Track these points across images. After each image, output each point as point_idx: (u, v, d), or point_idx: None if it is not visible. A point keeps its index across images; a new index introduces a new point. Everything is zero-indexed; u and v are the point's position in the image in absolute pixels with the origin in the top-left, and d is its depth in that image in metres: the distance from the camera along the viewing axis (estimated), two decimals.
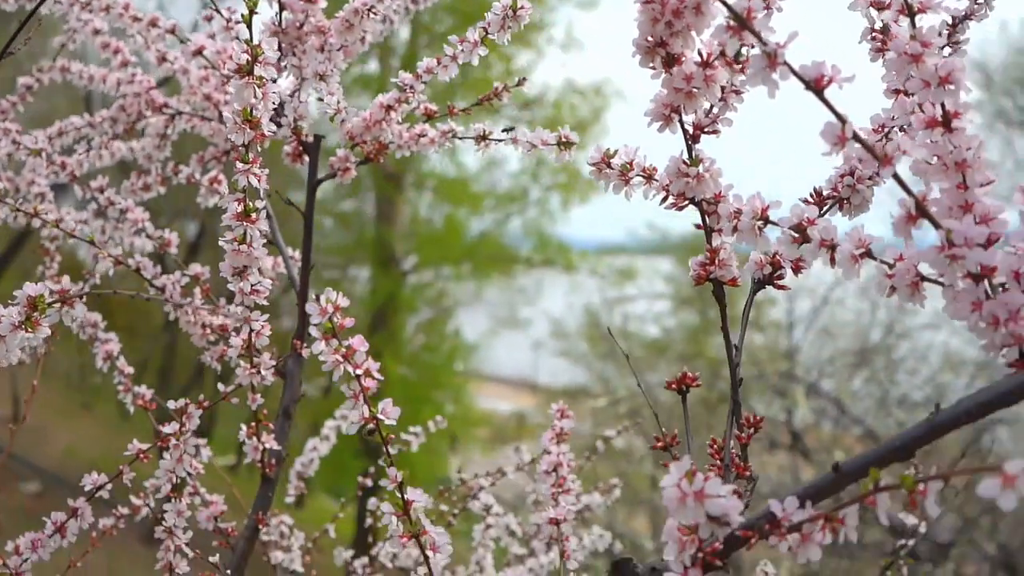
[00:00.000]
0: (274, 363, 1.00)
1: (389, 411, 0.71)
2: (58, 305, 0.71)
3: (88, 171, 1.35)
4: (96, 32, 1.25)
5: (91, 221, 1.30)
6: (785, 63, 0.56)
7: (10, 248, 7.62)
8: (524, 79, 1.14)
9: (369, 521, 1.56)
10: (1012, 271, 0.58)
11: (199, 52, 1.11)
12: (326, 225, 12.28)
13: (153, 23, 1.17)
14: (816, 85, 0.57)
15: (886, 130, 0.78)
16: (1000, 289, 0.58)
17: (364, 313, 11.75)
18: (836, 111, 0.57)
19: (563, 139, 0.94)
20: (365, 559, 1.58)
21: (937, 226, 0.57)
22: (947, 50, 0.80)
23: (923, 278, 0.61)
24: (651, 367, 8.83)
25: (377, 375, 0.69)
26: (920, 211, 0.58)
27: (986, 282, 0.59)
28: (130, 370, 1.17)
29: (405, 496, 0.72)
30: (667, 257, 10.96)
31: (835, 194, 0.77)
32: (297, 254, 1.23)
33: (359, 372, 0.69)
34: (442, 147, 1.07)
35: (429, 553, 0.72)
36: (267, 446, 1.06)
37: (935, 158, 0.62)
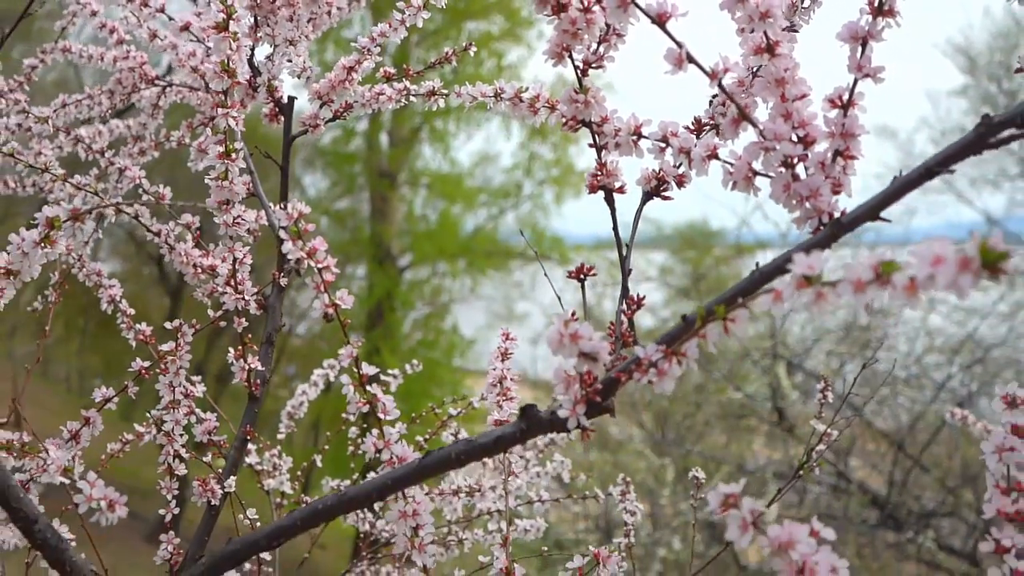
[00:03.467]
0: (256, 290, 1.16)
1: (346, 298, 0.87)
2: (71, 222, 0.88)
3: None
4: (93, 13, 1.42)
5: (94, 183, 1.46)
6: (633, 2, 0.72)
7: None
8: (470, 44, 1.30)
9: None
10: (819, 162, 0.75)
11: (186, 28, 1.27)
12: (322, 224, 12.44)
13: (144, 3, 1.33)
14: (660, 19, 0.73)
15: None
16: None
17: (361, 310, 11.92)
18: (675, 39, 0.73)
19: (498, 91, 1.10)
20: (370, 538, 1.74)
21: (755, 126, 0.74)
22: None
23: (755, 172, 0.77)
24: None
25: (335, 269, 0.86)
26: (742, 115, 0.74)
27: (801, 170, 0.75)
28: (132, 311, 1.33)
29: (361, 371, 0.88)
30: (661, 250, 11.14)
31: (711, 121, 0.93)
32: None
33: (321, 267, 0.85)
34: (398, 103, 1.24)
35: (381, 415, 0.88)
36: (252, 367, 1.22)
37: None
